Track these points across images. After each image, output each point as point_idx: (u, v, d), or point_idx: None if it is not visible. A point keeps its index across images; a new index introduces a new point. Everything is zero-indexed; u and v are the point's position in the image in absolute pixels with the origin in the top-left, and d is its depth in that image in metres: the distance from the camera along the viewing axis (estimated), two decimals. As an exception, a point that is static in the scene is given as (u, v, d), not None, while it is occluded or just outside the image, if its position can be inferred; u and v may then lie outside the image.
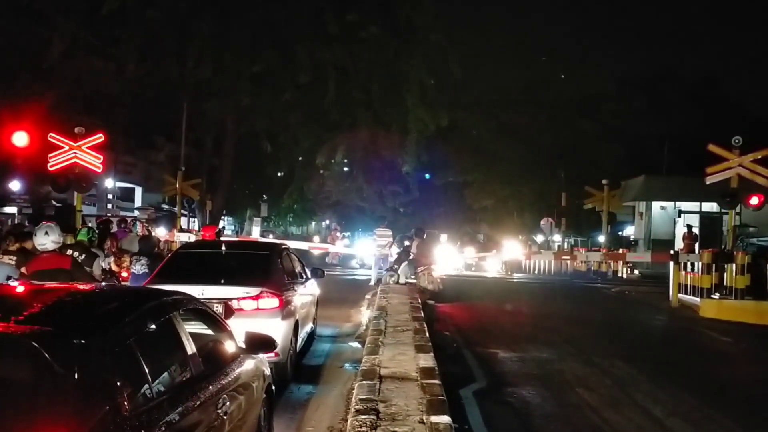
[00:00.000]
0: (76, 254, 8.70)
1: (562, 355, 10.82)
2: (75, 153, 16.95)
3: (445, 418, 5.21)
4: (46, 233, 7.48)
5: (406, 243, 18.82)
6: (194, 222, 35.92)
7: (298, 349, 9.27)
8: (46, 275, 7.02)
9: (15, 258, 8.71)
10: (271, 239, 32.20)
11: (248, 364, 5.00)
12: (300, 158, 35.84)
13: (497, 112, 45.09)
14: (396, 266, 17.86)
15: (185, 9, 25.71)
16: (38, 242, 7.56)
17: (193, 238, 21.69)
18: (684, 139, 36.78)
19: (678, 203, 35.54)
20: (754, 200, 17.90)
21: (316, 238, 36.63)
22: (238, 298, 7.97)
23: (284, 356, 8.11)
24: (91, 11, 24.33)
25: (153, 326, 3.80)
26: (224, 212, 39.32)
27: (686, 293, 17.65)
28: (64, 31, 24.34)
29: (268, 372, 5.60)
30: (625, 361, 10.40)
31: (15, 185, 27.21)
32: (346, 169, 37.30)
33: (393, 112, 30.37)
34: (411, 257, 17.45)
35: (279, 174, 40.29)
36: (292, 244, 24.07)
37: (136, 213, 36.70)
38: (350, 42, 27.82)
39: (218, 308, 7.48)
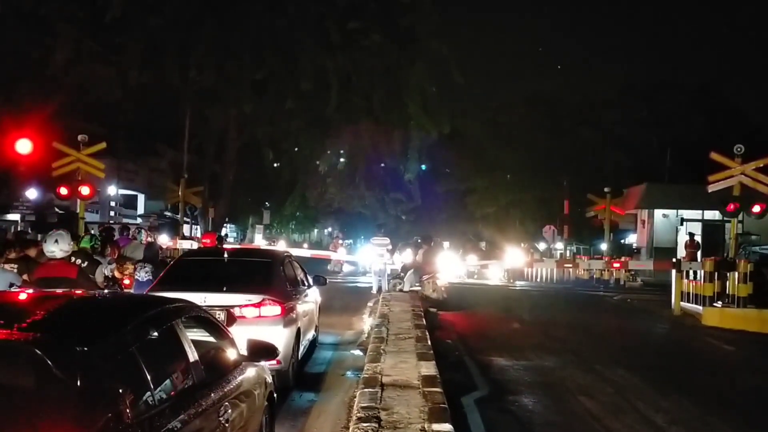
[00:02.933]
0: (78, 261, 8.71)
1: (563, 363, 10.81)
2: (78, 160, 17.04)
3: (446, 426, 5.22)
4: (56, 241, 7.49)
5: (408, 250, 18.88)
6: (197, 229, 35.95)
7: (299, 357, 9.26)
8: (50, 283, 7.03)
9: (16, 266, 8.72)
10: (306, 248, 31.91)
11: (250, 372, 5.01)
12: (302, 165, 35.86)
13: (500, 120, 45.16)
14: (402, 274, 17.92)
15: (188, 16, 25.78)
16: (47, 249, 7.58)
17: (195, 245, 21.73)
18: (686, 146, 36.79)
19: (680, 211, 35.49)
20: (757, 208, 17.87)
21: (339, 250, 33.97)
22: (240, 306, 7.98)
23: (286, 364, 8.10)
24: (94, 19, 24.40)
25: (155, 333, 3.80)
26: (227, 219, 39.34)
27: (688, 301, 17.60)
28: (67, 38, 24.41)
29: (269, 379, 5.60)
30: (626, 369, 10.39)
31: (18, 192, 27.28)
32: (348, 176, 37.29)
33: (395, 119, 30.38)
34: (417, 265, 17.50)
35: (280, 181, 40.35)
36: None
37: (139, 220, 36.79)
38: (352, 49, 27.86)
39: (220, 315, 7.48)
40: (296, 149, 33.15)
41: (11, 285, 7.71)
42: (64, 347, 3.10)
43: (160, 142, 35.98)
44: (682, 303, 17.77)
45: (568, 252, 39.50)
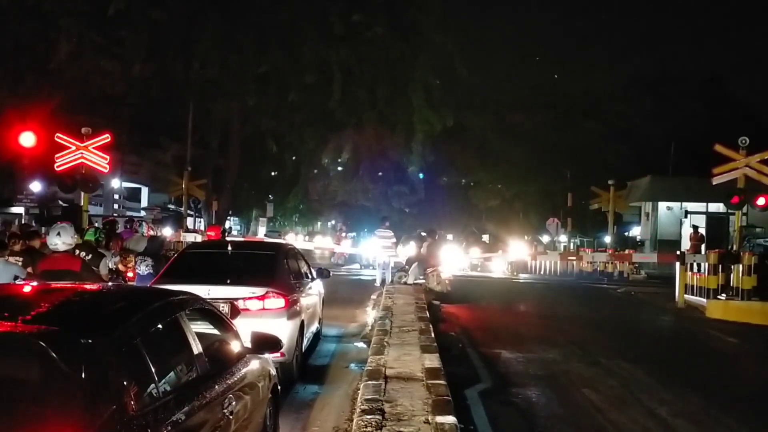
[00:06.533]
0: (83, 254, 8.73)
1: (567, 356, 10.80)
2: (82, 153, 17.06)
3: (450, 419, 5.21)
4: (59, 234, 7.50)
5: (412, 243, 18.88)
6: (200, 222, 36.01)
7: (303, 349, 9.28)
8: (53, 275, 7.04)
9: (21, 258, 8.74)
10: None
11: (254, 364, 5.01)
12: (305, 158, 35.87)
13: (503, 113, 45.11)
14: (406, 267, 17.93)
15: (191, 10, 25.76)
16: (50, 242, 7.60)
17: (199, 238, 21.75)
18: (690, 139, 36.68)
19: (684, 204, 35.43)
20: (761, 201, 17.85)
21: (342, 243, 32.73)
22: (243, 298, 7.98)
23: (290, 356, 8.11)
24: (97, 12, 24.39)
25: (159, 326, 3.82)
26: (230, 212, 39.39)
27: (692, 294, 17.59)
28: (70, 31, 24.41)
29: (273, 372, 5.61)
30: (630, 361, 10.38)
31: (22, 185, 27.34)
32: (351, 169, 37.30)
33: (398, 112, 30.35)
34: (421, 258, 17.49)
35: (284, 174, 40.35)
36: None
37: (143, 213, 36.84)
38: (356, 42, 27.82)
39: (224, 308, 7.50)
40: (300, 142, 33.14)
41: (15, 278, 7.73)
42: (68, 340, 3.11)
43: (163, 135, 36.00)
44: (686, 296, 17.76)
45: (571, 244, 39.49)
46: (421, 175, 41.08)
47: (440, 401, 5.71)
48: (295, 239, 31.91)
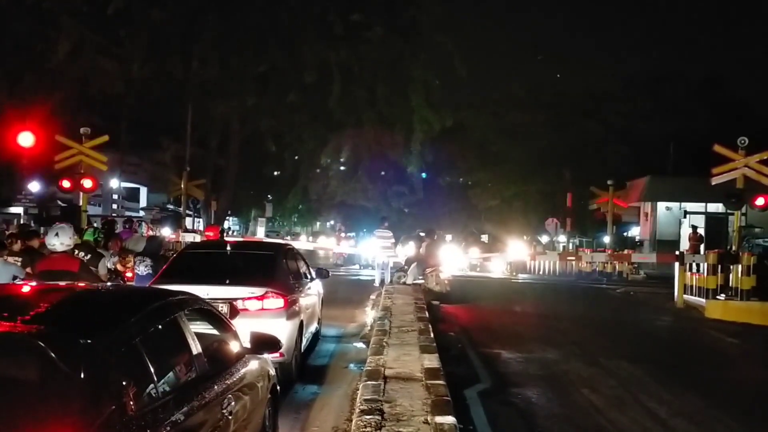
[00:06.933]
0: (81, 254, 8.73)
1: (566, 356, 10.80)
2: (80, 153, 17.06)
3: (449, 419, 5.21)
4: (57, 234, 7.49)
5: (411, 243, 18.88)
6: (199, 222, 36.01)
7: (302, 349, 9.28)
8: (52, 276, 7.04)
9: (20, 258, 8.74)
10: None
11: (253, 364, 5.01)
12: (305, 158, 35.84)
13: (503, 113, 45.05)
14: (405, 267, 17.94)
15: (191, 9, 25.74)
16: (48, 242, 7.60)
17: (198, 238, 21.74)
18: (689, 139, 36.69)
19: (683, 204, 35.43)
20: (760, 201, 17.86)
21: (341, 243, 33.51)
22: (242, 299, 7.98)
23: (289, 356, 8.11)
24: (97, 11, 24.38)
25: (158, 326, 3.81)
26: (229, 212, 39.37)
27: (692, 294, 17.60)
28: (69, 31, 24.39)
29: (272, 372, 5.61)
30: (630, 361, 10.39)
31: (21, 185, 27.34)
32: (350, 169, 37.26)
33: (398, 112, 30.30)
34: (420, 258, 17.50)
35: (283, 174, 40.30)
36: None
37: (142, 213, 36.84)
38: (355, 42, 27.79)
39: (223, 308, 7.50)
40: (299, 142, 33.13)
41: (14, 278, 7.73)
42: (67, 340, 3.10)
43: (163, 135, 36.01)
44: (685, 296, 17.76)
45: (570, 245, 39.48)
46: (423, 175, 40.99)
47: (439, 401, 5.70)
48: (300, 242, 31.77)
